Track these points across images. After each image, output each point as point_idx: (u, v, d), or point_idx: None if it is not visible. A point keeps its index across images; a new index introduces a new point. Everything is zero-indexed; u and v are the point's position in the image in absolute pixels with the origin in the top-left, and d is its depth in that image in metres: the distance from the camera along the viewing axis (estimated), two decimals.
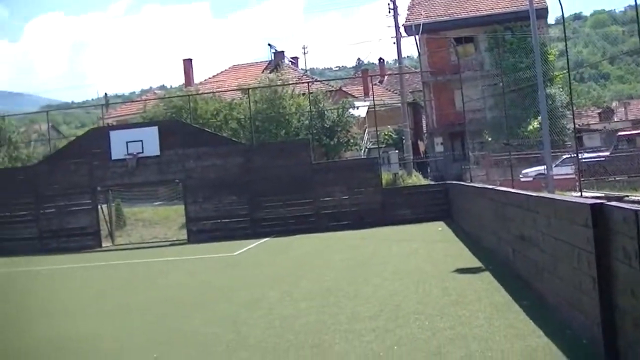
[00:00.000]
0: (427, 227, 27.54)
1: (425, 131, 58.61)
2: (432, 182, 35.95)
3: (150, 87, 50.21)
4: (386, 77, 72.79)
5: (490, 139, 43.27)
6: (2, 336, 12.11)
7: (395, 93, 57.85)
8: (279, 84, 43.61)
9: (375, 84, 64.08)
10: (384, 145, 48.56)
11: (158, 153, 32.78)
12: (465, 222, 24.07)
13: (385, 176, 34.46)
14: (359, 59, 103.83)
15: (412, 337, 9.32)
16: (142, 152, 32.71)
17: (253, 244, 27.31)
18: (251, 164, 32.44)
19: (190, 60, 64.07)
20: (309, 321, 10.95)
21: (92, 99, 67.92)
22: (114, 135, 33.43)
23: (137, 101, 64.29)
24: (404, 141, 39.95)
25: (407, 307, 11.38)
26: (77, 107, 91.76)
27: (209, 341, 10.27)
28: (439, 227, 26.76)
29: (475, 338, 8.96)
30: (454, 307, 11.08)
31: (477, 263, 15.77)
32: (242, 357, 9.25)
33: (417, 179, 36.22)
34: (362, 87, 61.72)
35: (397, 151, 37.75)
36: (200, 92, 48.37)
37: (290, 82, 45.48)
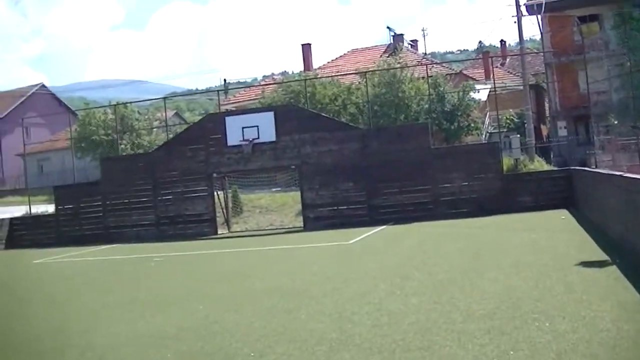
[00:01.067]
0: (549, 215, 26.27)
1: (548, 115, 56.58)
2: (555, 168, 34.42)
3: (272, 74, 50.25)
4: (508, 59, 70.77)
5: (616, 122, 41.26)
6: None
7: (517, 75, 55.98)
8: (397, 66, 42.71)
9: (497, 67, 62.56)
10: (505, 130, 47.40)
11: (274, 139, 32.45)
12: (590, 211, 22.78)
13: (506, 161, 33.16)
14: (480, 41, 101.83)
15: (530, 340, 8.37)
16: (258, 137, 32.44)
17: (369, 232, 26.57)
18: (368, 149, 31.67)
19: (309, 45, 63.52)
20: (419, 319, 10.13)
21: (216, 86, 68.16)
22: (230, 121, 33.24)
23: (255, 86, 64.25)
24: (525, 125, 38.45)
25: (525, 305, 10.40)
26: (195, 93, 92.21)
27: (312, 339, 9.58)
28: (562, 215, 25.44)
29: (601, 344, 7.99)
30: (576, 306, 10.05)
31: (602, 256, 14.54)
32: (345, 359, 8.54)
33: (539, 164, 34.72)
34: (483, 70, 60.03)
35: (518, 136, 36.34)
36: (318, 76, 47.77)
37: (409, 65, 44.44)
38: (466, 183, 30.65)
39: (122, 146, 51.04)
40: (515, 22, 39.31)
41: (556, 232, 20.81)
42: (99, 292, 16.74)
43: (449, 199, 30.66)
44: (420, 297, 11.90)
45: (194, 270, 19.84)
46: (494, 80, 37.55)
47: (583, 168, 29.11)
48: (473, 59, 78.44)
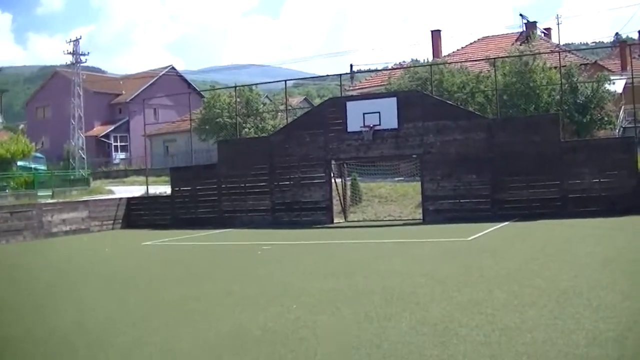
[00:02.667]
0: None
1: None
2: None
3: (402, 61, 48.86)
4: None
5: None
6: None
7: None
8: (528, 54, 40.68)
9: (635, 57, 59.38)
10: None
11: (396, 126, 31.16)
12: None
13: None
14: (616, 33, 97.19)
15: None
16: (379, 124, 31.23)
17: (491, 228, 24.90)
18: (494, 140, 29.94)
19: (439, 31, 61.77)
20: (535, 339, 8.60)
21: (346, 73, 67.21)
22: (351, 106, 32.07)
23: (381, 70, 62.92)
24: None
25: None
26: (317, 77, 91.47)
27: (409, 355, 8.28)
28: None
29: None
30: None
31: None
32: None
33: None
34: (619, 62, 57.10)
35: None
36: (445, 62, 46.13)
37: (541, 53, 42.29)
38: (597, 180, 28.54)
39: (246, 130, 50.78)
40: None
41: None
42: (195, 280, 15.87)
43: (578, 196, 28.59)
44: (540, 309, 10.37)
45: (300, 262, 18.65)
46: (632, 71, 35.15)
47: None
48: (609, 46, 74.79)
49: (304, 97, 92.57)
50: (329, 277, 15.08)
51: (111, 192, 49.38)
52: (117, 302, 13.40)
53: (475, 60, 44.51)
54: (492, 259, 16.51)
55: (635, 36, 77.56)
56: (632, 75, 34.34)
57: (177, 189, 36.02)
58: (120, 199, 37.06)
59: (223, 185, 34.44)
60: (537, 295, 11.49)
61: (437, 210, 30.45)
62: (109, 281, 16.61)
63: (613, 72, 47.60)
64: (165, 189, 38.93)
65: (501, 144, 29.77)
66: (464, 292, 12.17)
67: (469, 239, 21.83)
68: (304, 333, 9.72)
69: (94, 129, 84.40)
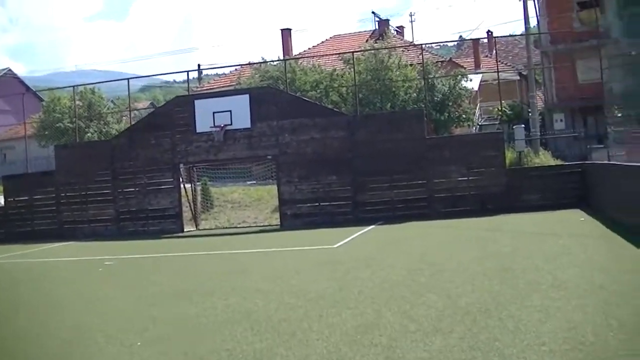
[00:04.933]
0: (563, 216, 22.88)
1: (542, 106, 53.25)
2: (565, 163, 30.81)
3: (250, 62, 46.75)
4: (494, 51, 67.44)
5: (619, 115, 37.92)
6: None
7: (508, 65, 52.81)
8: (385, 51, 39.13)
9: (486, 56, 59.49)
10: (497, 122, 44.58)
11: (249, 125, 29.11)
12: (616, 211, 19.28)
13: (508, 155, 29.66)
14: (460, 36, 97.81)
15: None
16: (231, 124, 29.14)
17: (357, 232, 22.97)
18: (355, 138, 28.18)
19: (289, 30, 59.83)
20: None
21: (193, 78, 64.71)
22: (200, 104, 29.72)
23: (230, 66, 60.64)
24: (530, 114, 35.19)
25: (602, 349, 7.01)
26: (160, 75, 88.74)
27: None
28: (580, 217, 21.95)
29: None
30: None
31: None
32: None
33: (545, 158, 31.32)
34: (472, 59, 56.75)
35: (523, 126, 32.76)
36: (299, 61, 44.23)
37: (398, 48, 40.89)
38: (465, 178, 27.29)
39: (89, 135, 47.73)
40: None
41: (585, 237, 17.25)
42: (11, 311, 13.02)
43: (445, 195, 27.27)
44: (446, 337, 8.34)
45: (146, 280, 15.95)
46: (496, 62, 34.23)
47: (605, 162, 25.64)
48: (463, 40, 74.86)
49: (150, 102, 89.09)
50: (181, 298, 12.63)
51: None
52: None
53: (331, 54, 43.40)
54: (368, 270, 14.33)
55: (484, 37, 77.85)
56: (497, 67, 33.37)
57: (11, 199, 32.72)
58: None
59: (62, 194, 31.44)
60: (437, 317, 9.43)
61: (295, 215, 28.46)
62: None
63: (467, 70, 46.86)
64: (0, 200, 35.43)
65: (362, 142, 28.07)
66: (346, 316, 9.98)
67: (335, 246, 19.79)
68: None
69: None
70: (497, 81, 30.54)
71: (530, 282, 11.52)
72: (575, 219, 21.70)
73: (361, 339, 8.59)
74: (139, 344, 9.27)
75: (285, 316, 10.31)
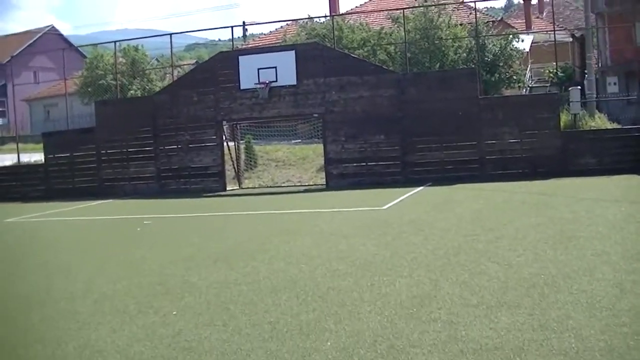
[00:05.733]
0: (620, 181, 21.95)
1: (595, 69, 51.71)
2: (623, 127, 29.55)
3: (295, 19, 45.81)
4: (545, 11, 65.57)
5: None
6: None
7: (561, 27, 51.25)
8: (434, 10, 37.85)
9: (537, 17, 58.04)
10: (548, 84, 43.72)
11: (294, 82, 28.18)
12: None
13: (562, 118, 28.48)
14: None
15: None
16: (276, 80, 28.18)
17: (405, 194, 22.05)
18: (404, 97, 27.21)
19: None
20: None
21: (238, 37, 64.02)
22: (244, 61, 28.86)
23: (275, 22, 59.72)
24: (586, 76, 33.93)
25: None
26: (206, 30, 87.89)
27: None
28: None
29: None
30: None
31: None
32: None
33: (601, 121, 30.03)
34: (522, 21, 55.17)
35: (579, 87, 31.42)
36: (345, 18, 43.13)
37: (448, 7, 39.60)
38: (518, 140, 26.25)
39: (132, 92, 47.13)
40: None
41: None
42: (41, 273, 12.35)
43: (497, 157, 26.29)
44: (513, 312, 7.45)
45: (184, 242, 15.10)
46: (553, 21, 33.05)
47: None
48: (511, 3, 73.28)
49: (195, 61, 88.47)
50: (220, 262, 11.86)
51: None
52: None
53: (379, 11, 41.93)
54: (420, 235, 13.40)
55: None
56: (554, 29, 32.00)
57: (51, 156, 32.20)
58: None
59: (103, 151, 30.84)
60: (500, 290, 8.51)
61: (341, 175, 27.63)
62: None
63: (519, 30, 45.53)
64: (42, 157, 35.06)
65: (412, 101, 27.12)
66: (400, 286, 9.10)
67: (384, 207, 18.91)
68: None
69: None
70: (547, 43, 29.36)
71: (599, 252, 10.52)
72: (635, 184, 20.64)
73: (418, 312, 7.73)
74: (174, 313, 8.51)
75: (334, 284, 9.46)
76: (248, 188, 30.11)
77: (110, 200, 27.77)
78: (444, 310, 7.72)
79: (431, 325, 7.17)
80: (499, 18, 51.16)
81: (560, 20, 61.08)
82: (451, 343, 6.57)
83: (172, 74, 37.88)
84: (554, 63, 36.86)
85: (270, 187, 30.05)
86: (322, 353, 6.59)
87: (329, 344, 6.85)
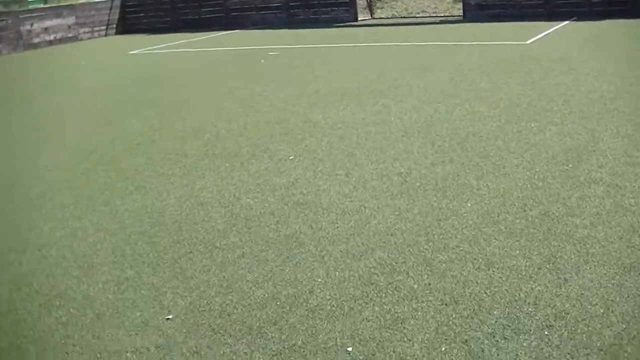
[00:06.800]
0: None
1: None
2: None
3: None
4: None
5: None
6: None
7: None
8: None
9: None
10: None
11: None
12: None
13: None
14: None
15: None
16: None
17: (550, 28, 20.25)
18: None
19: None
20: None
21: None
22: None
23: None
24: None
25: None
26: None
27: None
28: None
29: None
30: None
31: None
32: None
33: None
34: None
35: None
36: None
37: None
38: None
39: None
40: None
41: None
42: (162, 107, 11.62)
43: None
44: None
45: (303, 77, 14.04)
46: None
47: None
48: None
49: None
50: (347, 98, 10.82)
51: None
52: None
53: None
54: (570, 75, 11.93)
55: None
56: None
57: None
58: (113, 0, 32.35)
59: None
60: None
61: (480, 6, 25.65)
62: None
63: None
64: None
65: None
66: (551, 135, 7.94)
67: (528, 42, 17.39)
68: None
69: None
70: None
71: None
72: None
73: (575, 170, 6.58)
74: (291, 157, 7.60)
75: (474, 129, 8.35)
76: (380, 18, 28.70)
77: (237, 31, 26.97)
78: (606, 169, 6.55)
79: (592, 188, 6.04)
80: None
81: None
82: (618, 214, 5.44)
83: None
84: None
85: (404, 17, 28.49)
86: (461, 217, 5.58)
87: (469, 204, 5.82)
